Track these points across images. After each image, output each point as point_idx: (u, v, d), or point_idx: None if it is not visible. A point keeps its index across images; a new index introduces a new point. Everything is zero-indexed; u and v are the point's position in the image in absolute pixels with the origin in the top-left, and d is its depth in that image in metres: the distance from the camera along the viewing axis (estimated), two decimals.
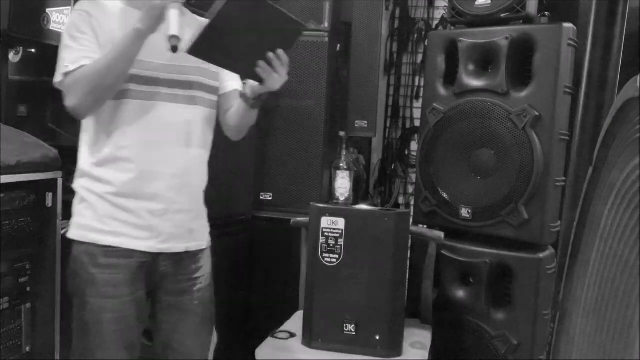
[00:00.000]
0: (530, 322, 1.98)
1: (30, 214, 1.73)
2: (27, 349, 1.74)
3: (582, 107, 2.32)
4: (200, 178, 1.58)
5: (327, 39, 2.37)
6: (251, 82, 1.51)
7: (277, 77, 1.45)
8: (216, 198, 2.18)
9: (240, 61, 1.44)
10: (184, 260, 1.54)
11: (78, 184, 1.49)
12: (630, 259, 0.81)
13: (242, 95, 1.55)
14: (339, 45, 2.52)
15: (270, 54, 1.42)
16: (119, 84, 1.40)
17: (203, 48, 1.34)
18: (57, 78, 1.45)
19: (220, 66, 1.49)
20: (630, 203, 0.82)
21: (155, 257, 1.48)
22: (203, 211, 1.62)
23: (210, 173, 2.14)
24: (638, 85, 0.76)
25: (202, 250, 1.59)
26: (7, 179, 1.59)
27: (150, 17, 1.33)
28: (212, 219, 2.15)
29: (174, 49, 1.33)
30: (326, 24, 2.38)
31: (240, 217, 2.37)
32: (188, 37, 1.33)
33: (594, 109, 2.32)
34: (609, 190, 0.90)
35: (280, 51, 1.43)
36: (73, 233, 1.48)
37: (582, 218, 0.99)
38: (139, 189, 1.44)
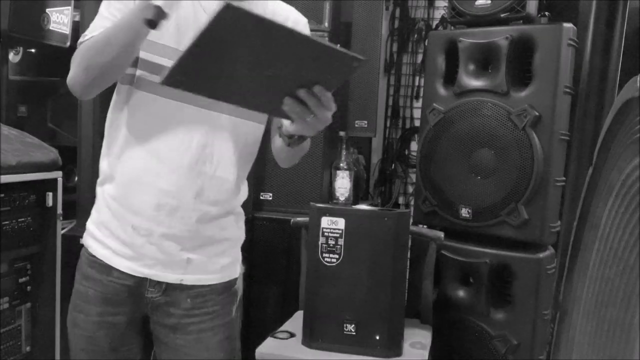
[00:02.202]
0: (530, 322, 1.98)
1: (30, 214, 1.73)
2: (27, 349, 1.74)
3: (582, 107, 2.32)
4: (216, 205, 1.27)
5: (327, 39, 2.37)
6: (284, 122, 1.18)
7: (313, 120, 1.07)
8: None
9: (255, 95, 1.06)
10: (178, 292, 1.27)
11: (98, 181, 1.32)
12: (630, 259, 0.81)
13: (279, 128, 1.22)
14: (338, 46, 2.52)
15: (302, 92, 1.03)
16: (119, 65, 1.15)
17: (186, 73, 0.96)
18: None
19: (216, 99, 1.11)
20: (630, 203, 0.82)
21: (141, 282, 1.25)
22: (220, 240, 1.31)
23: None
24: (638, 85, 0.76)
25: (208, 285, 1.30)
26: (7, 179, 1.59)
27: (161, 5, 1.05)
28: None
29: (151, 23, 1.04)
30: (326, 24, 2.38)
31: None
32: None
33: (594, 109, 2.32)
34: (609, 190, 0.90)
35: (318, 89, 1.04)
36: None
37: (582, 218, 0.99)
38: (125, 197, 1.23)
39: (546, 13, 2.04)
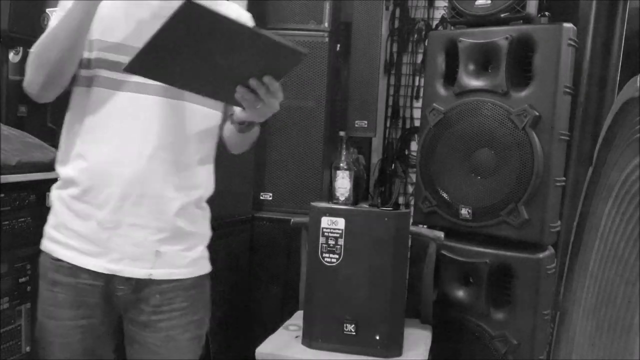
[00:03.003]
0: (530, 322, 1.98)
1: (30, 214, 1.72)
2: (27, 349, 1.74)
3: (582, 107, 2.32)
4: (181, 191, 1.28)
5: (327, 39, 2.38)
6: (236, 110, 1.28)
7: (261, 107, 1.17)
8: (216, 198, 2.19)
9: (210, 84, 1.16)
10: (149, 289, 1.26)
11: (53, 185, 1.32)
12: (630, 259, 0.81)
13: (230, 115, 1.31)
14: (339, 45, 2.52)
15: (253, 81, 1.12)
16: (71, 60, 1.17)
17: (148, 60, 1.06)
18: None
19: (175, 86, 1.19)
20: (630, 203, 0.82)
21: (109, 280, 1.24)
22: (189, 233, 1.31)
23: None
24: (638, 85, 0.76)
25: (178, 280, 1.29)
26: (7, 179, 1.59)
27: None
28: (212, 219, 2.16)
29: None
30: (326, 24, 2.39)
31: (240, 217, 2.37)
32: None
33: (594, 109, 2.32)
34: (609, 190, 0.90)
35: (267, 78, 1.13)
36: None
37: (582, 218, 0.99)
38: (90, 192, 1.22)
39: (546, 13, 2.04)
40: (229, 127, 1.33)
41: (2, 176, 1.56)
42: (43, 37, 1.18)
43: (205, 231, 1.38)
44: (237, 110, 1.25)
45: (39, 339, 1.29)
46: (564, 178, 2.05)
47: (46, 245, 1.28)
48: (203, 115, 1.31)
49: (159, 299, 1.27)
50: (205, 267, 1.36)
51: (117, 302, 1.27)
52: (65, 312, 1.24)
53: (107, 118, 1.22)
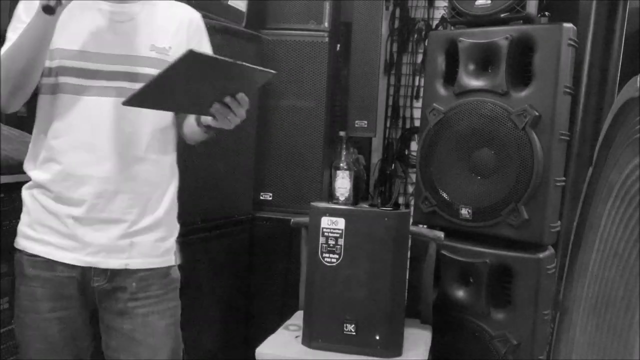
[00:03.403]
0: (530, 322, 1.98)
1: None
2: None
3: (582, 107, 2.32)
4: (155, 186, 1.37)
5: (327, 39, 2.38)
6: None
7: (232, 117, 1.28)
8: (216, 198, 2.19)
9: (193, 104, 1.31)
10: (125, 278, 1.33)
11: (24, 186, 1.37)
12: (630, 259, 0.81)
13: (198, 122, 1.39)
14: (339, 45, 2.52)
15: (228, 99, 1.26)
16: (34, 69, 1.24)
17: (146, 95, 1.19)
18: None
19: (162, 109, 1.36)
20: (630, 203, 0.82)
21: (85, 271, 1.30)
22: (161, 225, 1.38)
23: (210, 173, 2.15)
24: (638, 85, 0.76)
25: (153, 269, 1.36)
26: (7, 179, 1.59)
27: None
28: (212, 219, 2.16)
29: (47, 9, 1.14)
30: (326, 24, 2.39)
31: (240, 217, 2.37)
32: (128, 19, 1.29)
33: (594, 109, 2.32)
34: (609, 190, 0.90)
35: (240, 95, 1.26)
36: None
37: (582, 218, 0.99)
38: (65, 193, 1.29)
39: (546, 13, 2.04)
40: (192, 126, 1.42)
41: (2, 176, 1.56)
42: (6, 50, 1.24)
43: (175, 224, 1.44)
44: (208, 118, 1.33)
45: (19, 334, 1.34)
46: (564, 178, 2.05)
47: (21, 242, 1.34)
48: (160, 113, 1.38)
49: (135, 286, 1.34)
50: (176, 259, 1.43)
51: (92, 292, 1.33)
52: (44, 305, 1.29)
53: (75, 122, 1.29)
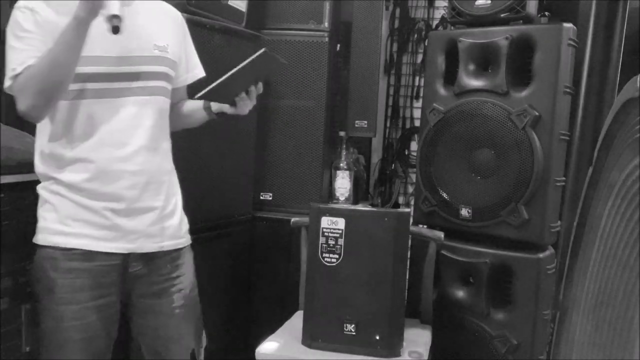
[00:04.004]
0: (530, 322, 1.98)
1: (31, 214, 1.73)
2: (27, 349, 1.74)
3: (582, 107, 2.32)
4: (170, 173, 1.52)
5: (327, 39, 2.38)
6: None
7: (249, 104, 1.49)
8: (216, 198, 2.19)
9: (229, 95, 1.47)
10: (159, 260, 1.47)
11: (40, 186, 1.44)
12: (630, 259, 0.81)
13: (207, 108, 1.55)
14: (339, 45, 2.52)
15: (252, 88, 1.47)
16: (69, 79, 1.31)
17: (217, 92, 1.40)
18: (6, 83, 1.35)
19: (218, 101, 1.53)
20: (630, 203, 0.82)
21: (125, 258, 1.41)
22: (178, 208, 1.55)
23: (210, 173, 2.15)
24: (638, 85, 0.76)
25: (179, 250, 1.52)
26: (7, 179, 1.59)
27: (90, 3, 1.24)
28: (212, 219, 2.16)
29: (115, 29, 1.26)
30: (326, 24, 2.39)
31: (240, 217, 2.37)
32: (130, 21, 1.31)
33: (594, 109, 2.32)
34: (609, 190, 0.90)
35: (260, 84, 1.48)
36: (36, 237, 1.42)
37: (582, 218, 0.99)
38: (100, 189, 1.38)
39: (546, 13, 2.04)
40: (192, 112, 1.60)
41: (2, 176, 1.56)
42: (39, 67, 1.28)
43: (181, 210, 1.58)
44: (224, 106, 1.51)
45: (53, 329, 1.38)
46: (564, 178, 2.05)
47: (53, 239, 1.39)
48: (164, 104, 1.51)
49: (169, 267, 1.49)
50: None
51: (128, 279, 1.44)
52: (85, 295, 1.37)
53: (102, 123, 1.38)
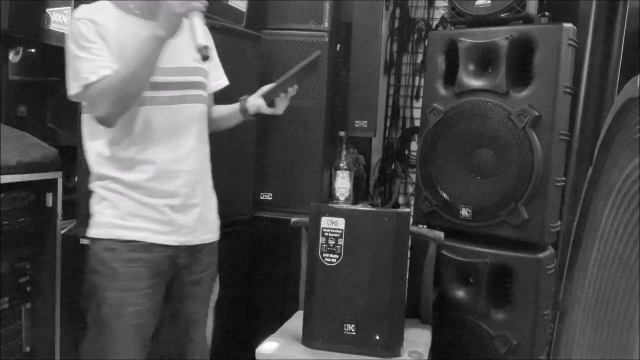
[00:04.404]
0: (530, 322, 1.98)
1: (30, 214, 1.73)
2: (27, 349, 1.74)
3: (582, 107, 2.32)
4: (209, 173, 1.68)
5: (327, 39, 2.38)
6: (256, 102, 1.67)
7: (286, 104, 1.68)
8: (216, 198, 2.19)
9: (280, 94, 1.65)
10: (200, 252, 1.63)
11: (97, 185, 1.54)
12: (630, 259, 0.81)
13: (243, 110, 1.69)
14: (339, 45, 2.52)
15: (291, 89, 1.65)
16: (145, 89, 1.45)
17: (278, 91, 1.60)
18: (74, 90, 1.47)
19: (269, 99, 1.68)
20: (630, 203, 0.82)
21: (176, 250, 1.56)
22: (214, 205, 1.71)
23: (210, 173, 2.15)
24: (638, 85, 0.76)
25: (214, 242, 1.69)
26: (7, 179, 1.59)
27: (171, 24, 1.38)
28: None
29: (205, 58, 1.41)
30: (326, 24, 2.39)
31: (240, 217, 2.37)
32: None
33: (594, 109, 2.32)
34: (609, 190, 0.90)
35: (297, 85, 1.66)
36: (93, 232, 1.53)
37: (582, 218, 0.99)
38: (160, 187, 1.53)
39: (546, 13, 2.04)
40: (226, 114, 1.75)
41: (2, 176, 1.57)
42: (120, 77, 1.40)
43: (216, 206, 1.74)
44: (256, 105, 1.67)
45: (113, 315, 1.49)
46: (564, 178, 2.05)
47: (114, 232, 1.51)
48: (205, 110, 1.67)
49: (208, 259, 1.67)
50: None
51: (175, 268, 1.59)
52: (145, 282, 1.51)
53: (163, 128, 1.53)
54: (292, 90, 1.66)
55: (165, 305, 1.61)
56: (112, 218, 1.52)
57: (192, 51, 1.48)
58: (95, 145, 1.55)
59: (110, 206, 1.52)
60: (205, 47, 1.39)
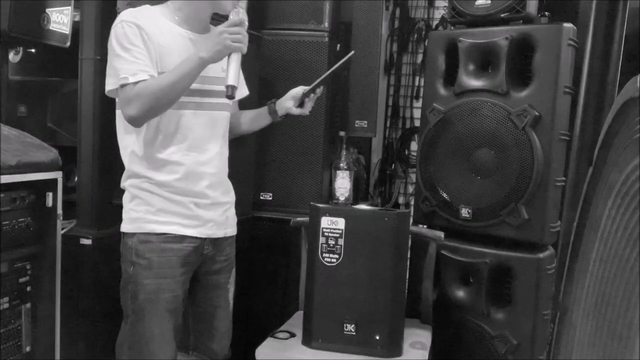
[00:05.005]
0: (530, 322, 1.98)
1: (30, 214, 1.73)
2: (27, 349, 1.74)
3: (582, 107, 2.31)
4: (226, 173, 1.82)
5: (327, 39, 2.37)
6: (286, 103, 1.82)
7: (312, 104, 1.84)
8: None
9: (314, 93, 1.80)
10: (222, 244, 1.78)
11: (129, 183, 1.67)
12: (630, 259, 0.81)
13: (272, 112, 1.85)
14: (339, 45, 2.52)
15: (319, 90, 1.80)
16: (177, 100, 1.57)
17: (316, 88, 1.74)
18: (111, 86, 1.59)
19: (307, 97, 1.82)
20: (630, 203, 0.82)
21: (202, 241, 1.70)
22: (233, 201, 1.84)
23: None
24: (638, 85, 0.76)
25: (233, 236, 1.85)
26: (7, 179, 1.59)
27: (218, 53, 1.52)
28: None
29: (230, 97, 1.56)
30: (326, 24, 2.38)
31: (240, 217, 2.36)
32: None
33: (594, 109, 2.32)
34: (609, 190, 0.90)
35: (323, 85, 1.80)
36: (127, 227, 1.66)
37: (582, 218, 0.99)
38: (187, 187, 1.66)
39: (546, 13, 2.04)
40: (253, 118, 1.92)
41: (2, 176, 1.56)
42: (158, 86, 1.53)
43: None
44: (285, 107, 1.83)
45: (150, 301, 1.62)
46: (564, 178, 2.05)
47: (148, 226, 1.64)
48: (228, 117, 1.81)
49: (228, 250, 1.82)
50: None
51: (201, 258, 1.73)
52: (178, 270, 1.65)
53: (189, 131, 1.66)
54: (319, 91, 1.80)
55: (191, 294, 1.76)
56: (145, 214, 1.65)
57: (222, 62, 1.58)
58: (129, 144, 1.67)
59: (142, 203, 1.65)
60: (233, 87, 1.53)
